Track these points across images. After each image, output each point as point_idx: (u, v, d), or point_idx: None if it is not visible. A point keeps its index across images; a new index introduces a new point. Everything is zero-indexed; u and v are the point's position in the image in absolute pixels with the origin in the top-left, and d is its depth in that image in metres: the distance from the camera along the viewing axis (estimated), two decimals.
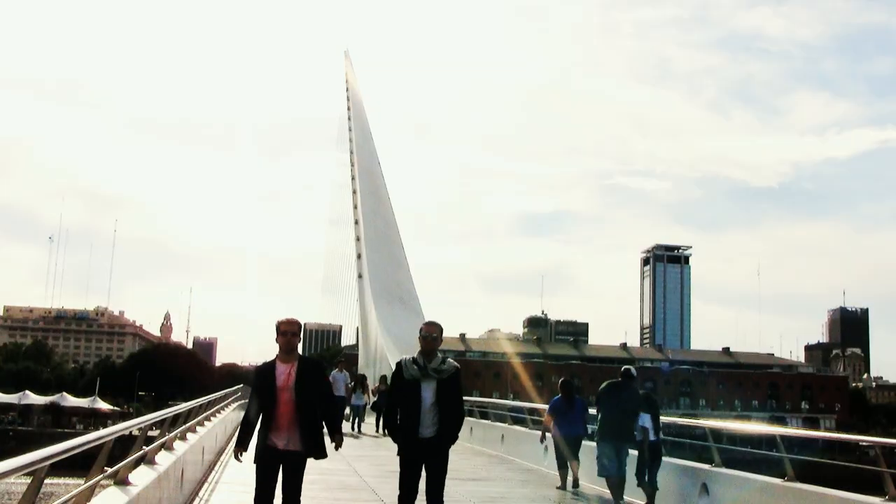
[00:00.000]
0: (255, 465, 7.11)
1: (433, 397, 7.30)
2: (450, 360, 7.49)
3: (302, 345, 7.51)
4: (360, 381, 29.19)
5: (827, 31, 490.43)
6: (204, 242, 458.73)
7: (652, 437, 11.37)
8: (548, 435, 13.91)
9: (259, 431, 7.11)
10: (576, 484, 13.25)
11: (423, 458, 7.37)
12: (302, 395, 6.95)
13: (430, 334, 7.47)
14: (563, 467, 13.45)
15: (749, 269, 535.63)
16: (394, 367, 7.72)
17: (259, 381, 7.11)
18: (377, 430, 25.58)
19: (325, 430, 7.21)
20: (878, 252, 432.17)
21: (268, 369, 7.09)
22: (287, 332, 7.12)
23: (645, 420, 11.37)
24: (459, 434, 7.62)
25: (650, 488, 11.34)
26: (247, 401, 7.50)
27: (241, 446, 7.23)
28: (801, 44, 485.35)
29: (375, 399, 28.50)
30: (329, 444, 7.20)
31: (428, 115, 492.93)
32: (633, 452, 11.55)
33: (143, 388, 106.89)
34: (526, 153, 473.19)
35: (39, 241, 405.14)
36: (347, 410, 27.84)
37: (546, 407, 14.62)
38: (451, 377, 7.39)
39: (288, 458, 6.97)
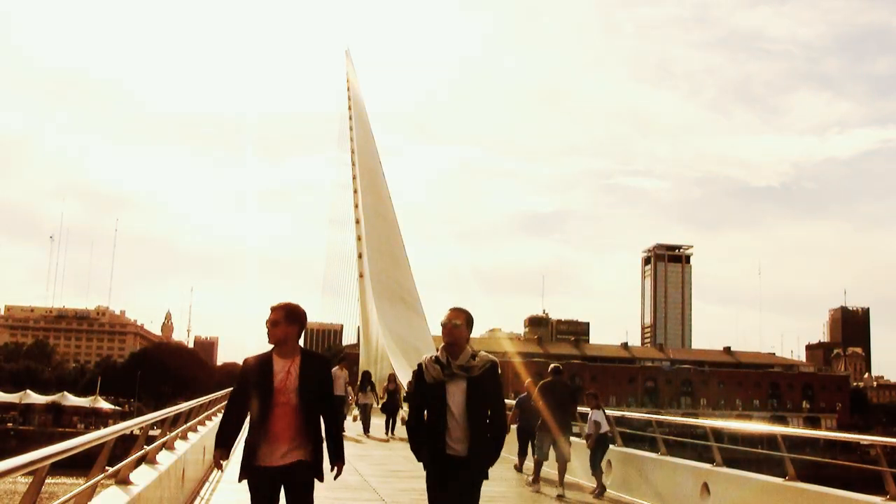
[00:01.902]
0: (246, 484, 5.60)
1: (463, 402, 5.66)
2: (483, 353, 5.90)
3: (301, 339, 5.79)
4: (366, 379, 26.31)
5: (828, 30, 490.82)
6: (205, 242, 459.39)
7: (602, 429, 12.96)
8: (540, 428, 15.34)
9: (246, 442, 5.55)
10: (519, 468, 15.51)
11: (453, 480, 5.66)
12: (306, 400, 5.47)
13: (453, 321, 5.83)
14: (522, 454, 15.74)
15: (750, 269, 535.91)
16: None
17: (251, 377, 5.49)
18: (386, 433, 24.49)
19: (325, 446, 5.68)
20: (879, 251, 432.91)
21: (262, 364, 5.51)
22: (270, 319, 5.56)
23: (598, 416, 12.96)
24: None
25: (598, 474, 12.79)
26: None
27: (225, 448, 5.66)
28: (802, 43, 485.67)
29: (385, 400, 27.07)
30: (328, 472, 5.70)
31: (428, 114, 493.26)
32: (577, 441, 13.70)
33: (143, 388, 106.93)
34: (526, 153, 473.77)
35: (40, 241, 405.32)
36: (355, 411, 27.15)
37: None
38: (484, 374, 5.74)
39: (290, 473, 5.46)
